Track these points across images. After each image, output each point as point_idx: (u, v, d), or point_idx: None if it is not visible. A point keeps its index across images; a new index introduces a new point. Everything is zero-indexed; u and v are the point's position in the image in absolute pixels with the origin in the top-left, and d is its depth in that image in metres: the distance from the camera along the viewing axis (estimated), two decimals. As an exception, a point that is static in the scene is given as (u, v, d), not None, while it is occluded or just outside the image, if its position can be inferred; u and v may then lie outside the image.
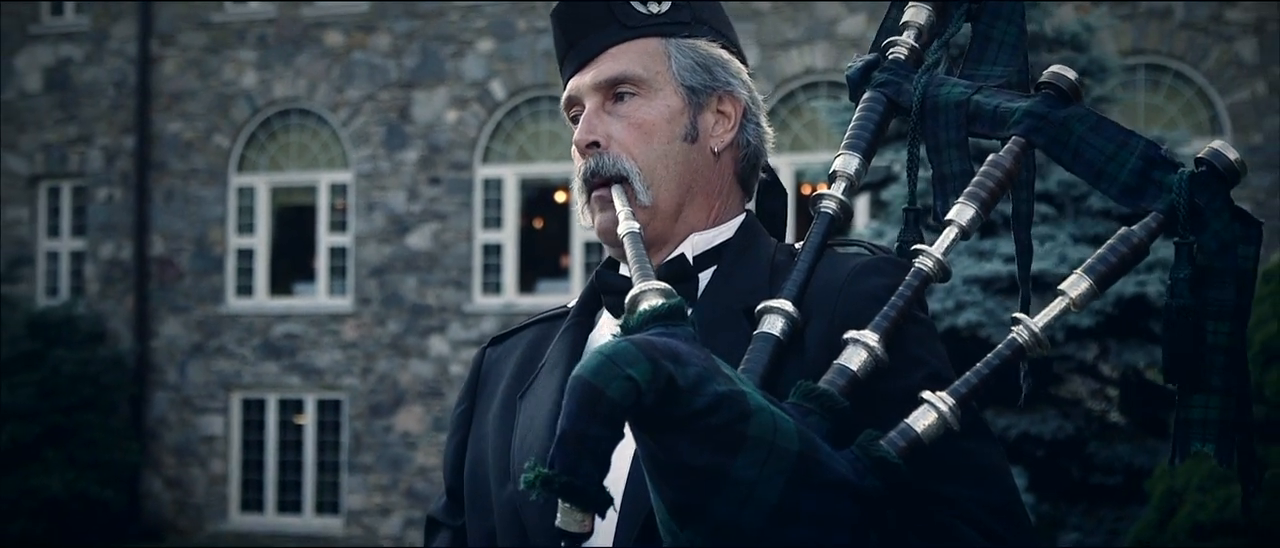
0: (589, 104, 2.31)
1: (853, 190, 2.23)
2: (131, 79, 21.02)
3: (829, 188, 2.25)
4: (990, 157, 2.13)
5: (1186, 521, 8.07)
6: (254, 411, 20.63)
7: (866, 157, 2.22)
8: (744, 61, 2.40)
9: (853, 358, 2.00)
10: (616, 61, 2.30)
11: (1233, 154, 2.00)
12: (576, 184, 2.33)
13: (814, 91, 18.42)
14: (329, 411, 20.34)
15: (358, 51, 20.17)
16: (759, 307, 2.12)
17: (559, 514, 1.86)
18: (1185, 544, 8.05)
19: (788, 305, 2.08)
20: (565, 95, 2.36)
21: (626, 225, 2.19)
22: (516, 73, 19.49)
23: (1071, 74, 2.11)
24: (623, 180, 2.26)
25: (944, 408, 1.95)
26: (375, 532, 19.77)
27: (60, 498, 18.84)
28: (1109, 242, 2.03)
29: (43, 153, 21.43)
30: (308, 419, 20.45)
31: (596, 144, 2.29)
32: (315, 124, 20.59)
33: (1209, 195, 2.01)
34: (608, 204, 2.28)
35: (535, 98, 19.45)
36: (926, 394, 1.98)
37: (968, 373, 2.00)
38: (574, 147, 2.32)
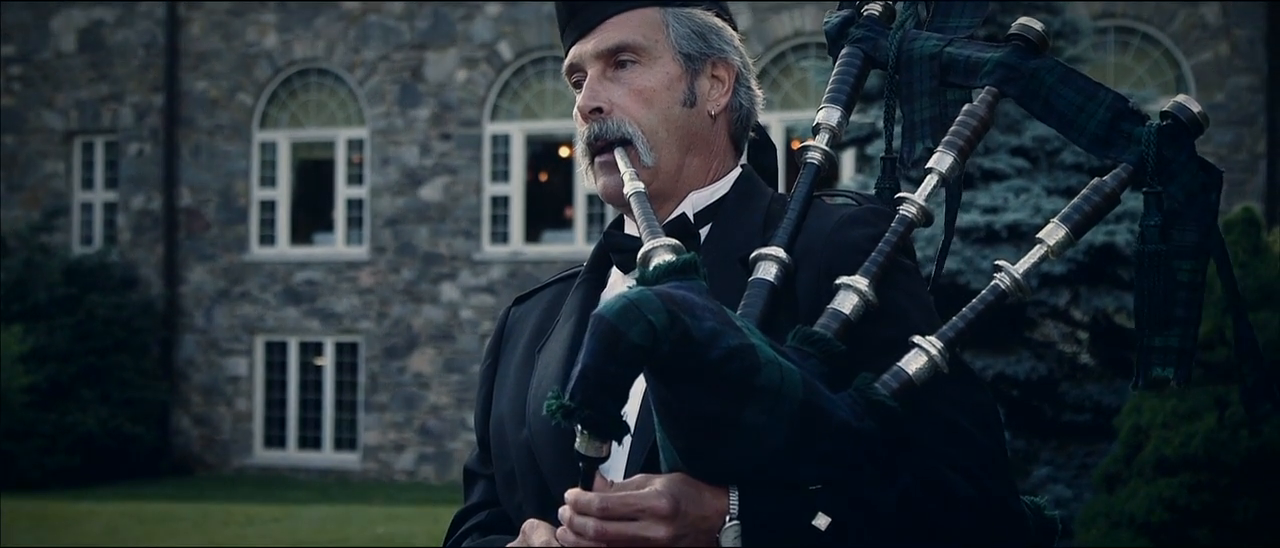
0: (591, 71, 2.30)
1: (835, 141, 2.23)
2: (160, 40, 20.98)
3: (813, 140, 2.25)
4: (965, 106, 2.12)
5: (1151, 455, 8.10)
6: (276, 353, 20.65)
7: (847, 109, 2.21)
8: (734, 27, 2.40)
9: (845, 302, 2.00)
10: (618, 31, 2.29)
11: (1196, 107, 2.01)
12: (580, 147, 2.32)
13: (803, 52, 18.39)
14: (346, 353, 20.37)
15: (373, 14, 20.12)
16: (753, 254, 2.12)
17: (578, 440, 1.87)
18: (1150, 477, 8.08)
19: (780, 253, 2.08)
20: (567, 62, 2.35)
21: (632, 185, 2.19)
22: (523, 34, 19.45)
23: (1038, 25, 2.11)
24: (626, 143, 2.26)
25: (934, 352, 1.95)
26: (390, 466, 19.82)
27: (95, 434, 18.89)
28: (1082, 192, 2.03)
29: (77, 110, 21.40)
30: (326, 361, 20.48)
31: (600, 110, 2.28)
32: (333, 83, 20.56)
33: (1175, 147, 2.01)
34: (611, 167, 2.27)
35: (541, 58, 19.41)
36: (917, 338, 1.98)
37: (954, 317, 2.00)
38: (577, 111, 2.32)
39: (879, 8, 2.24)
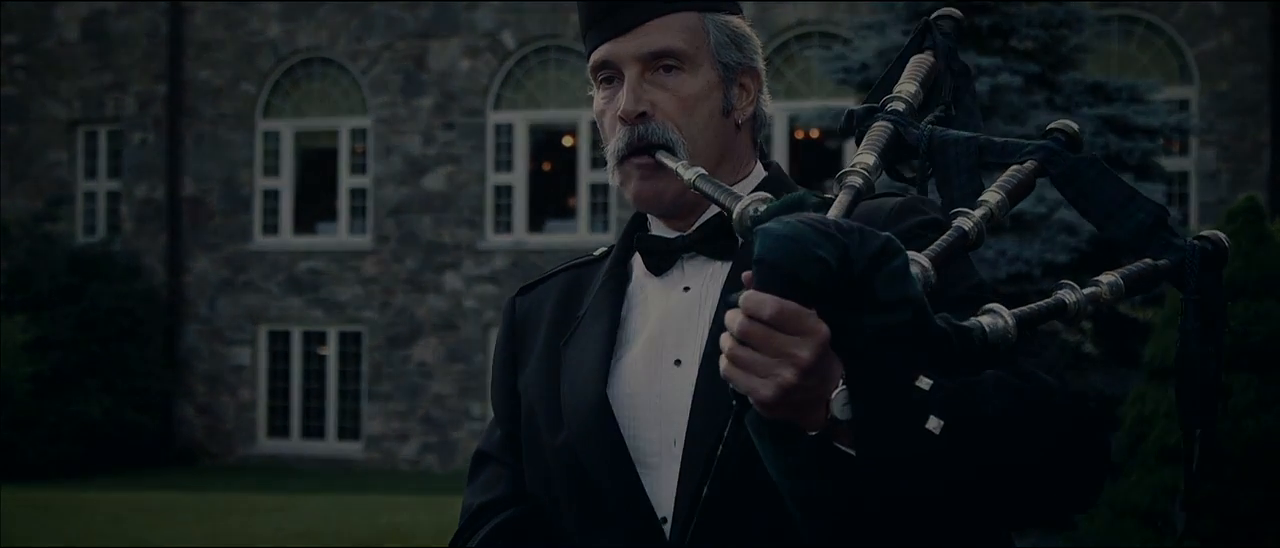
0: (630, 73, 2.26)
1: (871, 175, 2.22)
2: (164, 29, 20.98)
3: (852, 167, 2.24)
4: (1012, 166, 2.14)
5: (1155, 445, 8.10)
6: (279, 342, 20.67)
7: (882, 157, 2.20)
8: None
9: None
10: (662, 35, 2.26)
11: (1226, 239, 2.07)
12: (613, 148, 2.28)
13: (807, 42, 18.38)
14: (350, 342, 20.38)
15: (376, 3, 20.12)
16: None
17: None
18: (1153, 467, 8.09)
19: None
20: (599, 58, 2.30)
21: (694, 171, 2.16)
22: (526, 23, 19.44)
23: (1075, 126, 2.15)
24: (668, 149, 2.24)
25: (1008, 319, 1.96)
26: (394, 456, 19.84)
27: (98, 423, 18.92)
28: (1142, 263, 2.09)
29: (80, 99, 21.40)
30: (330, 350, 20.49)
31: (645, 114, 2.25)
32: (336, 72, 20.56)
33: (1206, 267, 2.06)
34: (649, 171, 2.25)
35: (544, 47, 19.41)
36: (992, 305, 1.97)
37: (1026, 307, 2.02)
38: (606, 114, 2.30)
39: (902, 106, 2.24)
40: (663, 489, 2.17)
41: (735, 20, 2.34)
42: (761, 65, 2.37)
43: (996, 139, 2.15)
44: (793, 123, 17.78)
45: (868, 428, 1.83)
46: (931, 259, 1.98)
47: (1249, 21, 16.82)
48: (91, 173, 21.58)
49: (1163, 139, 12.38)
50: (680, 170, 2.17)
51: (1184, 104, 16.55)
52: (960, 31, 2.32)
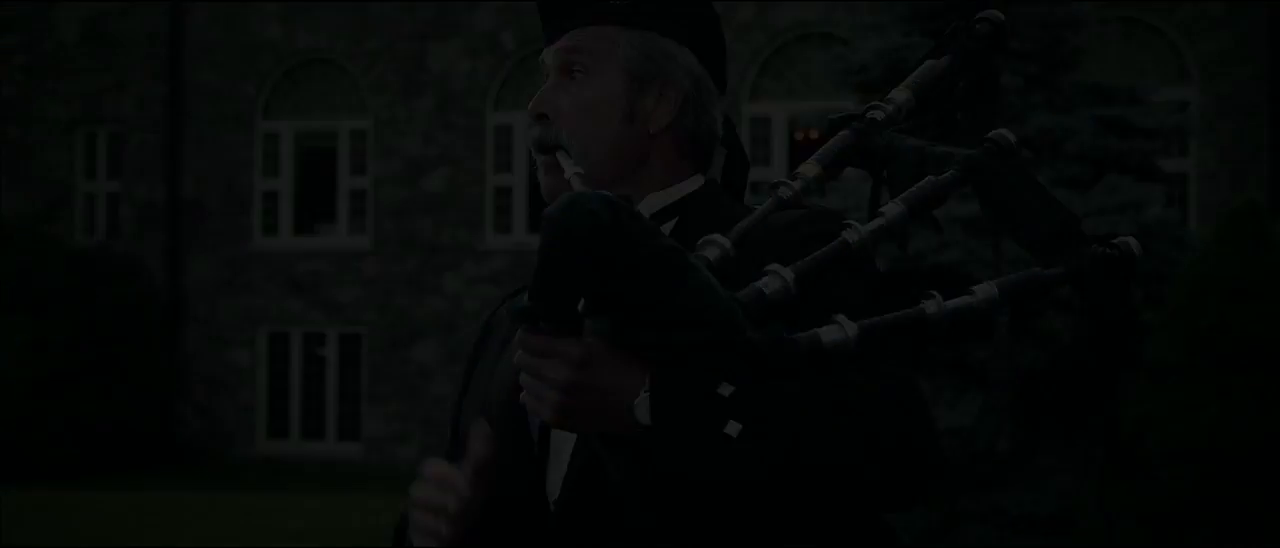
0: (551, 77, 2.45)
1: (809, 186, 2.28)
2: (164, 30, 20.98)
3: (789, 180, 2.31)
4: (928, 178, 2.20)
5: (1154, 445, 8.11)
6: (279, 343, 20.68)
7: (826, 169, 2.28)
8: (716, 50, 2.48)
9: (767, 285, 2.07)
10: (573, 42, 2.43)
11: (1136, 247, 2.12)
12: (530, 146, 2.46)
13: (806, 43, 18.38)
14: (349, 343, 20.39)
15: (376, 4, 20.12)
16: (701, 241, 2.17)
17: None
18: (1153, 468, 8.11)
19: (725, 241, 2.13)
20: (542, 61, 2.50)
21: (573, 169, 2.30)
22: (525, 24, 19.45)
23: (1012, 137, 2.21)
24: (560, 149, 2.38)
25: (849, 332, 2.02)
26: (393, 457, 19.84)
27: (98, 424, 18.91)
28: (1027, 271, 2.15)
29: (80, 100, 21.40)
30: (330, 352, 20.50)
31: (544, 116, 2.42)
32: (336, 73, 20.57)
33: (1109, 276, 2.12)
34: (549, 169, 2.40)
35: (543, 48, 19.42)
36: (837, 317, 2.04)
37: (876, 317, 2.07)
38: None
39: (882, 116, 2.31)
40: (557, 476, 2.29)
41: (657, 36, 2.42)
42: (687, 83, 2.42)
43: (937, 148, 2.22)
44: (792, 124, 17.77)
45: (663, 430, 1.98)
46: (797, 272, 2.07)
47: (1249, 23, 16.83)
48: (91, 174, 21.58)
49: (1162, 140, 12.38)
50: (567, 168, 2.32)
51: (1184, 105, 16.54)
52: (999, 35, 2.36)
